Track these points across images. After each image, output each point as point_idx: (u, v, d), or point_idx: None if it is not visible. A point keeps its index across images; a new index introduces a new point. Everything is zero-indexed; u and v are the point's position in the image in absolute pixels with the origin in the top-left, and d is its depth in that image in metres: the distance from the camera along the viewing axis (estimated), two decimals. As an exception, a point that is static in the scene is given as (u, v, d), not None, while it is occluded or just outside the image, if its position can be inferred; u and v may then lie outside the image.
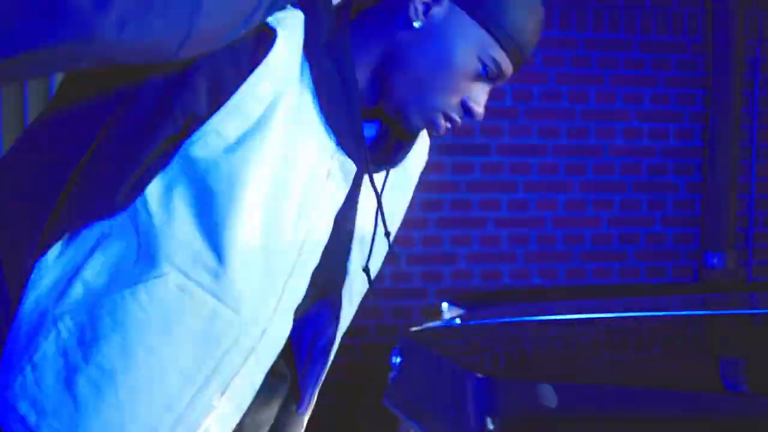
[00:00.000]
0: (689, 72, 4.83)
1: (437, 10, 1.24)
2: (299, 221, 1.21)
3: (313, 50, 1.19)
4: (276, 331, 1.24)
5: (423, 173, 4.58)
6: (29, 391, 1.15)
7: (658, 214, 4.87)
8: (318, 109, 1.20)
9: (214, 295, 1.16)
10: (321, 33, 1.20)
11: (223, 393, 1.21)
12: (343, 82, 1.21)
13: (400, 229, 4.65)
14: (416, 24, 1.23)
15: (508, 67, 1.30)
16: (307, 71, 1.18)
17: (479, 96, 1.30)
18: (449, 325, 2.94)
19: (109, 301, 1.14)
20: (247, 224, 1.15)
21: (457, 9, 1.24)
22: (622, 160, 4.80)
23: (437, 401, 2.37)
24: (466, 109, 1.30)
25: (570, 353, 2.61)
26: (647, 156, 4.83)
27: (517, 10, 1.26)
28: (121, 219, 1.15)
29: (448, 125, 1.31)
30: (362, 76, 1.25)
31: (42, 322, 1.16)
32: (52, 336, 1.15)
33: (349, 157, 1.25)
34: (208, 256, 1.14)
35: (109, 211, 1.14)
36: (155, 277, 1.14)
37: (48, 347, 1.15)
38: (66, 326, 1.15)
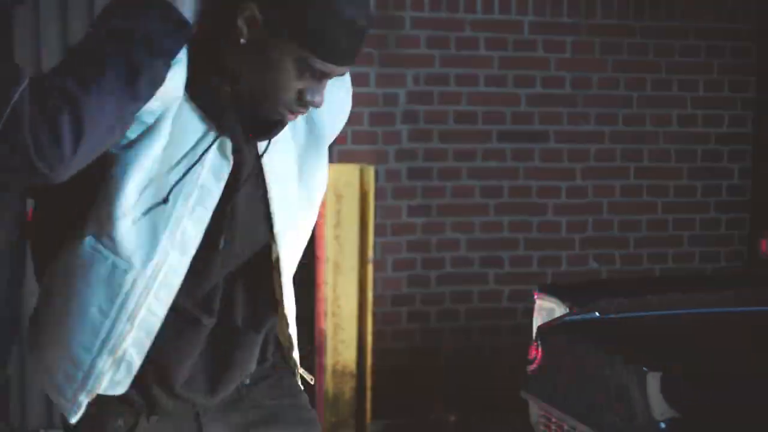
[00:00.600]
0: (742, 59, 4.89)
1: (256, 32, 1.52)
2: (179, 189, 1.58)
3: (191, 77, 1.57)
4: (166, 276, 1.61)
5: (483, 159, 4.71)
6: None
7: (712, 200, 4.94)
8: (196, 110, 1.58)
9: (113, 252, 1.59)
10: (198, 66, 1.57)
11: (132, 322, 1.61)
12: (212, 91, 1.59)
13: (460, 215, 4.78)
14: (242, 41, 1.54)
15: (333, 69, 1.55)
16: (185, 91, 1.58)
17: (313, 91, 1.56)
18: (590, 318, 2.88)
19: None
20: (130, 198, 1.56)
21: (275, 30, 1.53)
22: (677, 147, 4.86)
23: (600, 395, 2.42)
24: (304, 103, 1.57)
25: (738, 347, 2.59)
26: (702, 142, 4.89)
27: (333, 30, 1.50)
28: None
29: (298, 113, 1.60)
30: (227, 84, 1.60)
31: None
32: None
33: (228, 137, 1.59)
34: (108, 225, 1.57)
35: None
36: (79, 240, 1.62)
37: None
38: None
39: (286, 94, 1.56)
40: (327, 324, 4.01)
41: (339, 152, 4.41)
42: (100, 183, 1.58)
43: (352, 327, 4.04)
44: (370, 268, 3.99)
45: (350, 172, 3.98)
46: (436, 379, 4.48)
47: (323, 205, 3.93)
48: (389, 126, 4.49)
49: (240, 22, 1.52)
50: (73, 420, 1.67)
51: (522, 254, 4.73)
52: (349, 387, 4.06)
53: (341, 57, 1.54)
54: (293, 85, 1.54)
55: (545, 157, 4.71)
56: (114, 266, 1.60)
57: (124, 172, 1.55)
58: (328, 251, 3.96)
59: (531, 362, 2.67)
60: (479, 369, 4.60)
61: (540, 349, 2.67)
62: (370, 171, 3.98)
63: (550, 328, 2.78)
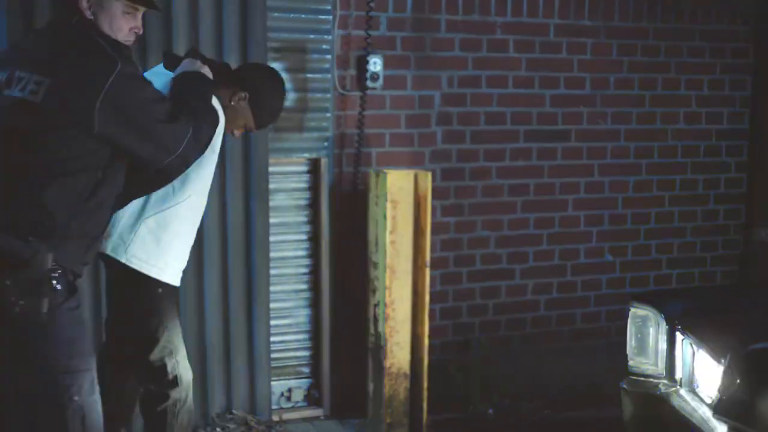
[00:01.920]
0: (741, 59, 5.17)
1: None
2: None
3: None
4: None
5: (511, 159, 4.89)
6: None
7: (712, 193, 5.23)
8: None
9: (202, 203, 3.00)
10: None
11: None
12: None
13: (490, 213, 4.93)
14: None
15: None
16: None
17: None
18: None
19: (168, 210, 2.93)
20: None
21: None
22: (683, 143, 5.12)
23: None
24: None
25: None
26: (705, 138, 5.16)
27: None
28: None
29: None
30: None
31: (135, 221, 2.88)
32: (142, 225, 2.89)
33: None
34: (201, 187, 2.94)
35: None
36: (186, 199, 2.90)
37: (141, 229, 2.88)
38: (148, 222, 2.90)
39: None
40: (384, 327, 4.07)
41: (377, 155, 4.46)
42: None
43: (406, 330, 4.12)
44: (426, 272, 4.07)
45: (405, 177, 4.03)
46: (470, 373, 4.62)
47: (380, 210, 3.99)
48: (425, 128, 4.55)
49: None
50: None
51: (545, 249, 4.90)
52: (403, 387, 4.15)
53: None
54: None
55: (567, 155, 4.87)
56: (200, 208, 3.02)
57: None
58: (387, 256, 4.01)
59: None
60: (508, 360, 4.76)
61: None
62: (427, 176, 4.04)
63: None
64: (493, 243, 4.78)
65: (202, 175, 2.94)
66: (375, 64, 4.32)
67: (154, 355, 2.99)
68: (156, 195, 2.91)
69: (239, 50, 3.96)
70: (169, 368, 3.01)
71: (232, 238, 4.04)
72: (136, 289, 2.94)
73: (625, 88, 4.94)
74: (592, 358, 4.95)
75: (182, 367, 3.06)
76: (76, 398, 2.49)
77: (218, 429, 4.08)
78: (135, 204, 2.88)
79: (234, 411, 4.15)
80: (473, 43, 4.59)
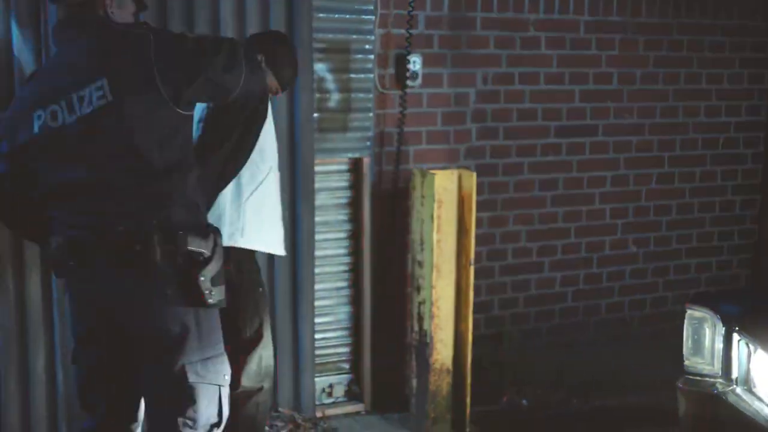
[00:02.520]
0: (759, 53, 5.27)
1: None
2: None
3: None
4: None
5: (542, 154, 5.00)
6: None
7: (730, 184, 5.36)
8: None
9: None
10: None
11: None
12: None
13: (522, 208, 5.09)
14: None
15: None
16: None
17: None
18: None
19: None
20: None
21: None
22: (703, 136, 5.23)
23: None
24: None
25: None
26: (723, 131, 5.27)
27: None
28: None
29: None
30: None
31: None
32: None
33: None
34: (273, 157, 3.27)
35: None
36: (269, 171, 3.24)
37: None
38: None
39: None
40: (429, 325, 4.14)
41: (415, 152, 4.50)
42: None
43: (450, 327, 4.19)
44: (471, 270, 4.13)
45: (448, 177, 4.08)
46: (503, 365, 4.71)
47: (426, 210, 4.04)
48: (460, 125, 4.60)
49: None
50: None
51: (573, 242, 5.00)
52: (446, 383, 4.23)
53: None
54: None
55: (594, 149, 4.95)
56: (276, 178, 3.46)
57: None
58: (434, 256, 4.07)
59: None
60: (537, 351, 4.87)
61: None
62: (471, 176, 4.08)
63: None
64: (524, 237, 4.86)
65: (272, 144, 3.28)
66: (414, 62, 4.35)
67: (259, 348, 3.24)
68: (245, 176, 3.17)
69: (285, 51, 3.96)
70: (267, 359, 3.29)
71: (278, 238, 4.06)
72: (256, 272, 3.29)
73: (650, 83, 5.02)
74: (616, 347, 5.09)
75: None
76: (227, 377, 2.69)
77: (266, 428, 4.12)
78: (230, 191, 3.13)
79: (280, 409, 4.20)
80: (507, 40, 4.63)
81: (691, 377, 3.45)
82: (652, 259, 5.21)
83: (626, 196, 5.09)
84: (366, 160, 4.32)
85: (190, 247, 2.56)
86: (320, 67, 4.12)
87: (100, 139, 2.56)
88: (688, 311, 3.43)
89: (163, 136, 2.55)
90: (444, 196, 4.07)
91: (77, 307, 2.75)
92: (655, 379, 4.92)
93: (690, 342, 3.45)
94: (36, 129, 2.60)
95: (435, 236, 4.06)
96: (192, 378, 2.56)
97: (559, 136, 4.84)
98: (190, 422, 2.60)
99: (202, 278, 2.57)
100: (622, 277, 5.17)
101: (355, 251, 4.44)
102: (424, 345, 4.19)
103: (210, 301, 2.59)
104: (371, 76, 4.25)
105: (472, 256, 4.14)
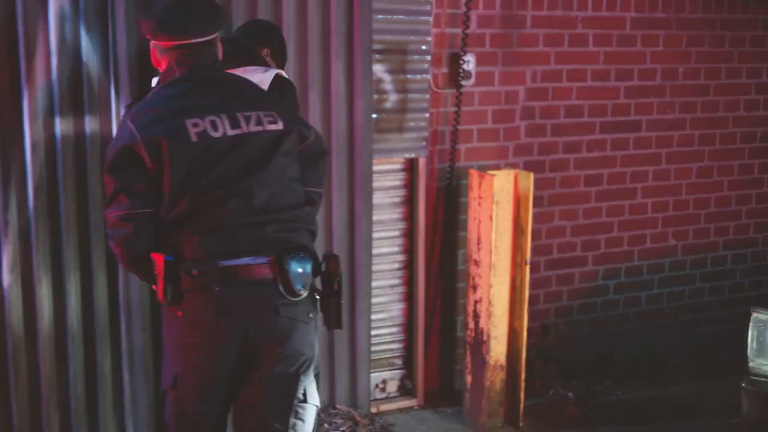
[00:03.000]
0: (796, 46, 5.33)
1: None
2: None
3: None
4: None
5: (588, 150, 5.00)
6: None
7: (766, 176, 5.43)
8: None
9: None
10: None
11: None
12: None
13: (567, 203, 5.16)
14: None
15: None
16: None
17: None
18: None
19: None
20: None
21: None
22: (742, 130, 5.29)
23: None
24: None
25: None
26: (762, 125, 5.34)
27: None
28: None
29: None
30: None
31: None
32: None
33: None
34: None
35: None
36: None
37: None
38: None
39: None
40: (486, 323, 4.21)
41: (466, 150, 4.54)
42: None
43: (504, 324, 4.26)
44: (526, 269, 4.19)
45: (506, 178, 4.13)
46: (548, 358, 4.79)
47: (484, 211, 4.09)
48: (509, 123, 4.63)
49: None
50: None
51: (615, 236, 5.06)
52: (499, 379, 4.30)
53: None
54: None
55: (637, 144, 5.01)
56: None
57: None
58: (492, 255, 4.12)
59: None
60: (579, 343, 4.95)
61: None
62: (528, 177, 4.13)
63: None
64: (569, 232, 4.92)
65: None
66: (468, 62, 4.37)
67: None
68: None
69: (345, 53, 3.98)
70: None
71: (337, 236, 4.11)
72: None
73: (692, 78, 5.07)
74: (655, 338, 5.18)
75: None
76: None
77: (325, 425, 4.19)
78: None
79: (337, 406, 4.27)
80: (556, 37, 4.66)
81: (755, 378, 3.55)
82: (690, 251, 5.29)
83: (667, 190, 5.16)
84: (422, 160, 4.36)
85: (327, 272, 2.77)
86: (378, 68, 4.14)
87: (267, 156, 2.71)
88: (754, 314, 3.52)
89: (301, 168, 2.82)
90: (501, 196, 4.12)
91: (215, 330, 2.65)
92: (695, 369, 5.06)
93: (755, 344, 3.54)
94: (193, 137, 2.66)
95: (493, 236, 4.12)
96: (309, 399, 2.62)
97: (604, 131, 4.89)
98: None
99: (343, 302, 2.77)
100: (662, 269, 5.24)
101: (407, 249, 4.49)
102: (480, 342, 4.25)
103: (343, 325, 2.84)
104: (427, 76, 4.28)
105: (528, 255, 4.20)
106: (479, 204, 4.18)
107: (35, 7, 3.48)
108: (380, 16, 4.07)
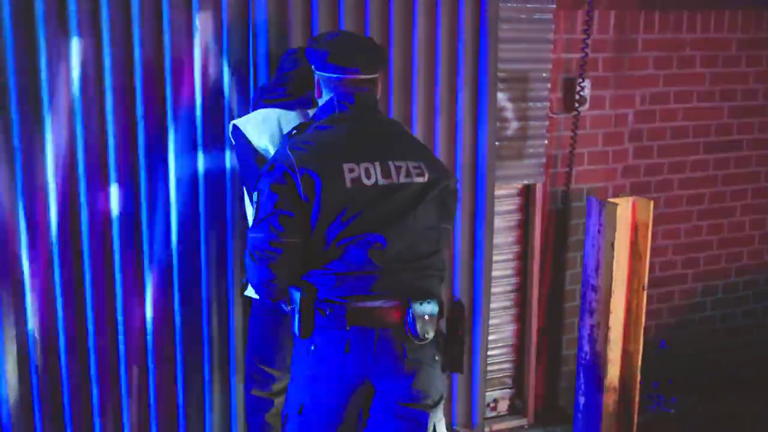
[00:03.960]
0: None
1: None
2: None
3: None
4: None
5: (691, 170, 4.96)
6: None
7: None
8: None
9: None
10: None
11: None
12: None
13: (669, 223, 5.10)
14: None
15: None
16: None
17: None
18: None
19: None
20: None
21: None
22: (839, 147, 5.31)
23: None
24: None
25: None
26: None
27: None
28: None
29: None
30: None
31: None
32: None
33: None
34: None
35: None
36: None
37: None
38: None
39: None
40: (603, 347, 4.27)
41: (576, 172, 4.58)
42: None
43: (618, 347, 4.31)
44: (643, 294, 4.24)
45: (625, 205, 4.17)
46: (648, 373, 4.85)
47: (604, 238, 4.14)
48: (618, 145, 4.67)
49: None
50: None
51: (714, 253, 5.11)
52: (612, 400, 4.37)
53: None
54: None
55: (738, 164, 5.04)
56: None
57: None
58: (612, 282, 4.18)
59: None
60: (678, 358, 5.01)
61: None
62: (648, 204, 4.17)
63: None
64: (671, 251, 4.97)
65: None
66: (584, 87, 4.40)
67: None
68: None
69: (472, 82, 4.02)
70: None
71: (459, 260, 4.17)
72: None
73: (792, 97, 5.10)
74: (750, 352, 5.24)
75: None
76: None
77: (445, 445, 4.27)
78: None
79: (455, 428, 4.34)
80: (665, 60, 4.68)
81: None
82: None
83: (765, 208, 5.19)
84: (539, 186, 4.40)
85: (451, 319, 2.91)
86: (500, 97, 4.17)
87: (408, 207, 2.81)
88: None
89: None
90: (621, 224, 4.16)
91: (343, 366, 2.79)
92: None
93: None
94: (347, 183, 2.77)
95: (614, 264, 4.17)
96: None
97: (707, 152, 4.92)
98: None
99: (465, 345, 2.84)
100: (757, 284, 5.29)
101: (520, 271, 4.54)
102: (596, 365, 4.32)
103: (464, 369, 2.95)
104: (546, 104, 4.31)
105: (645, 281, 4.25)
106: (599, 231, 4.22)
107: (182, 44, 3.52)
108: (503, 45, 4.10)
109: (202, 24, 3.54)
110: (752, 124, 5.03)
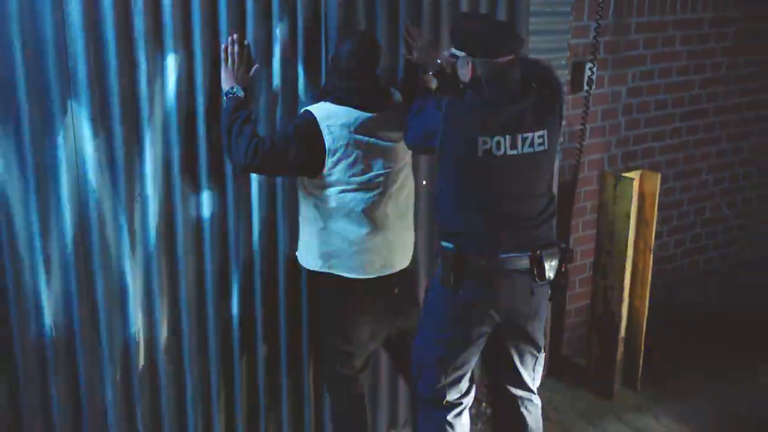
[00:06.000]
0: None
1: None
2: None
3: None
4: None
5: (669, 138, 5.61)
6: None
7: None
8: None
9: None
10: None
11: None
12: None
13: None
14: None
15: None
16: None
17: None
18: None
19: None
20: None
21: None
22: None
23: None
24: None
25: None
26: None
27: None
28: None
29: None
30: None
31: None
32: None
33: None
34: None
35: None
36: None
37: None
38: None
39: None
40: (617, 304, 4.80)
41: (584, 146, 5.02)
42: None
43: (626, 304, 4.86)
44: (650, 256, 4.78)
45: (636, 178, 4.65)
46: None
47: (619, 208, 4.62)
48: (613, 119, 5.14)
49: None
50: None
51: (684, 210, 5.72)
52: (620, 351, 4.92)
53: None
54: None
55: (705, 129, 5.63)
56: None
57: None
58: (627, 248, 4.69)
59: None
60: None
61: None
62: (655, 177, 4.67)
63: None
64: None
65: None
66: (591, 69, 4.82)
67: None
68: None
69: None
70: None
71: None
72: None
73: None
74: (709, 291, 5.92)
75: None
76: None
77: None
78: None
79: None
80: (651, 41, 5.15)
81: None
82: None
83: (725, 166, 5.82)
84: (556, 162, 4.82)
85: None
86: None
87: (531, 176, 3.40)
88: None
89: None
90: (632, 195, 4.65)
91: (482, 306, 3.48)
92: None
93: None
94: (479, 153, 3.31)
95: (628, 231, 4.67)
96: (542, 346, 3.74)
97: (682, 120, 5.47)
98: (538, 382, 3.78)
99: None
100: (716, 236, 5.96)
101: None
102: (609, 322, 4.85)
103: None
104: (565, 88, 4.69)
105: (652, 243, 4.78)
106: (614, 202, 4.70)
107: (261, 52, 3.69)
108: (533, 37, 4.44)
109: (281, 33, 3.71)
110: (717, 94, 5.61)
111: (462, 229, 3.44)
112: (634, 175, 4.70)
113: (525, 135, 3.33)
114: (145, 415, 3.81)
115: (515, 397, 3.74)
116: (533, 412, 3.79)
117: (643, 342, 4.95)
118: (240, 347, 3.96)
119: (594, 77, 4.84)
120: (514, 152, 3.33)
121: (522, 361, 3.70)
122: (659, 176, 4.71)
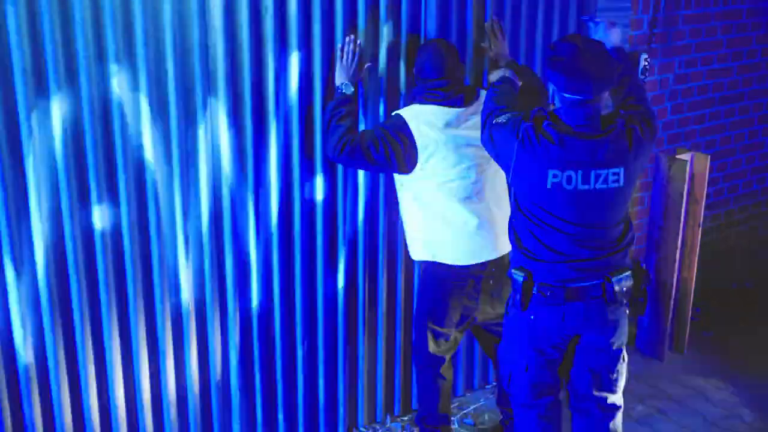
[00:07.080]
0: None
1: None
2: None
3: None
4: None
5: (709, 120, 5.86)
6: None
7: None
8: None
9: None
10: None
11: None
12: None
13: None
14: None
15: None
16: None
17: None
18: None
19: None
20: None
21: None
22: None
23: None
24: None
25: None
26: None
27: None
28: None
29: None
30: None
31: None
32: None
33: None
34: None
35: None
36: None
37: None
38: None
39: None
40: (671, 275, 5.24)
41: (631, 130, 5.44)
42: None
43: (675, 276, 5.30)
44: (699, 231, 5.22)
45: (686, 158, 5.08)
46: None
47: (673, 187, 5.04)
48: (660, 104, 5.56)
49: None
50: None
51: (719, 187, 6.16)
52: (669, 317, 5.37)
53: None
54: None
55: (741, 112, 6.06)
56: None
57: None
58: (676, 222, 5.12)
59: None
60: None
61: None
62: (706, 158, 5.10)
63: None
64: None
65: None
66: (646, 60, 5.22)
67: None
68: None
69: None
70: None
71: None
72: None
73: (779, 53, 6.13)
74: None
75: None
76: None
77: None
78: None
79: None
80: (696, 32, 5.56)
81: None
82: None
83: (756, 146, 6.26)
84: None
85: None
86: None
87: (604, 210, 3.50)
88: None
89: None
90: (686, 175, 5.08)
91: (554, 329, 3.66)
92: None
93: None
94: (548, 185, 3.42)
95: (681, 208, 5.10)
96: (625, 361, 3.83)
97: (721, 104, 5.90)
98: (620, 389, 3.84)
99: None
100: (747, 209, 6.41)
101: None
102: (661, 291, 5.29)
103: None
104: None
105: (701, 219, 5.21)
106: (668, 181, 5.13)
107: (369, 51, 4.06)
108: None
109: (387, 33, 4.08)
110: (752, 79, 6.04)
111: (533, 255, 3.55)
112: (687, 156, 5.13)
113: (599, 171, 3.38)
114: (264, 379, 4.22)
115: (595, 399, 3.81)
116: (613, 415, 3.84)
117: (690, 309, 5.40)
118: (345, 316, 4.36)
119: (648, 66, 5.24)
120: (586, 187, 3.39)
121: (601, 375, 3.78)
122: (708, 158, 5.13)
